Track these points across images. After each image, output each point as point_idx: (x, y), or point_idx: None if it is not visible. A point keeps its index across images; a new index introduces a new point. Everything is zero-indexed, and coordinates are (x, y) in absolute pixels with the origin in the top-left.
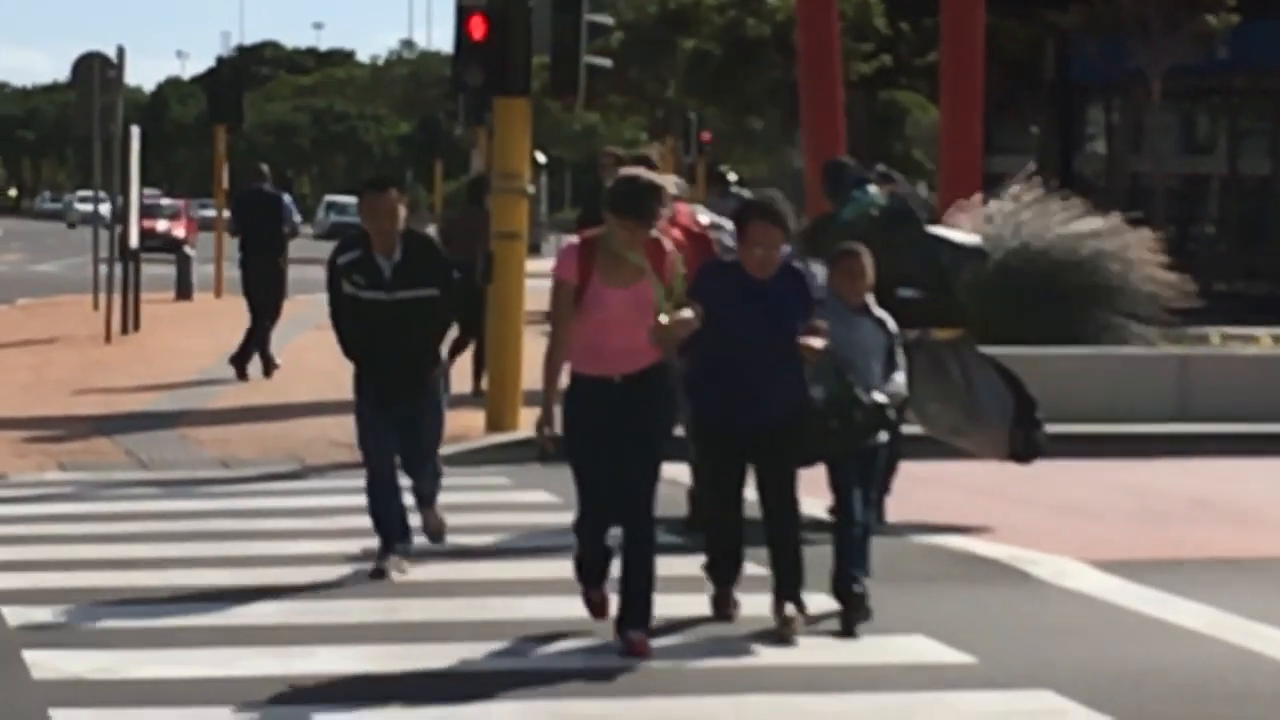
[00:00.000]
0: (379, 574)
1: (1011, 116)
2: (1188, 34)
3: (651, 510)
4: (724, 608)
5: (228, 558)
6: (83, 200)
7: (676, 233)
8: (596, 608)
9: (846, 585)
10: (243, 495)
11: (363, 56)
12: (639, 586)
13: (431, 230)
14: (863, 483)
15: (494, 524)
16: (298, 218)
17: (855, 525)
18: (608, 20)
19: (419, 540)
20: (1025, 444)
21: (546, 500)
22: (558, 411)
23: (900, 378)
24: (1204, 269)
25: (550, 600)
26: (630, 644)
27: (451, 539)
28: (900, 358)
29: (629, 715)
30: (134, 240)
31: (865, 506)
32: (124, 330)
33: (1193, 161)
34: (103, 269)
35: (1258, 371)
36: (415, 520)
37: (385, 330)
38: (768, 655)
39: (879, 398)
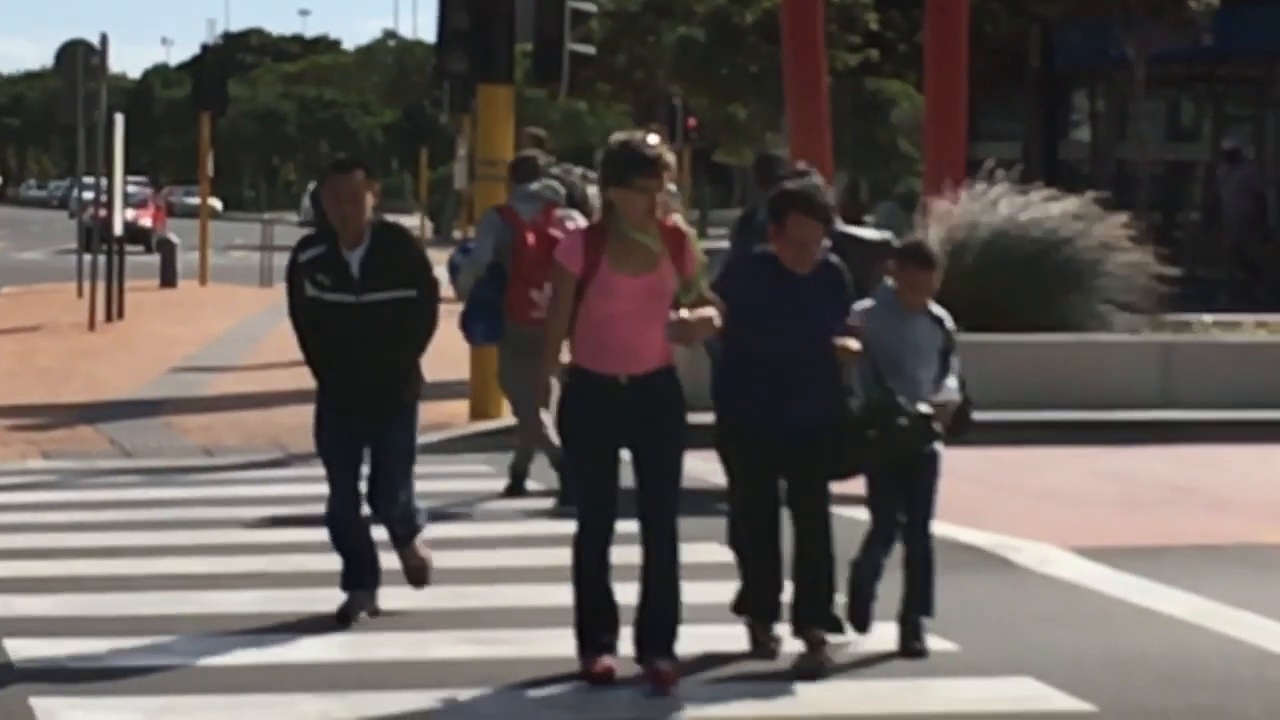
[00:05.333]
0: (344, 618)
1: (996, 103)
2: (1171, 20)
3: (675, 526)
4: (765, 644)
5: (210, 545)
6: (87, 188)
7: (531, 236)
8: (598, 677)
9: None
10: (226, 483)
11: (349, 44)
12: (664, 610)
13: (416, 220)
14: (913, 501)
15: (475, 512)
16: None
17: (887, 544)
18: (591, 7)
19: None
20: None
21: (529, 488)
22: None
23: (953, 382)
24: (1188, 256)
25: (532, 589)
26: (658, 676)
27: (433, 527)
28: (955, 361)
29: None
30: (118, 228)
31: (922, 530)
32: (108, 318)
33: (1177, 148)
34: (87, 257)
35: (1241, 358)
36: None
37: (354, 339)
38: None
39: (924, 408)
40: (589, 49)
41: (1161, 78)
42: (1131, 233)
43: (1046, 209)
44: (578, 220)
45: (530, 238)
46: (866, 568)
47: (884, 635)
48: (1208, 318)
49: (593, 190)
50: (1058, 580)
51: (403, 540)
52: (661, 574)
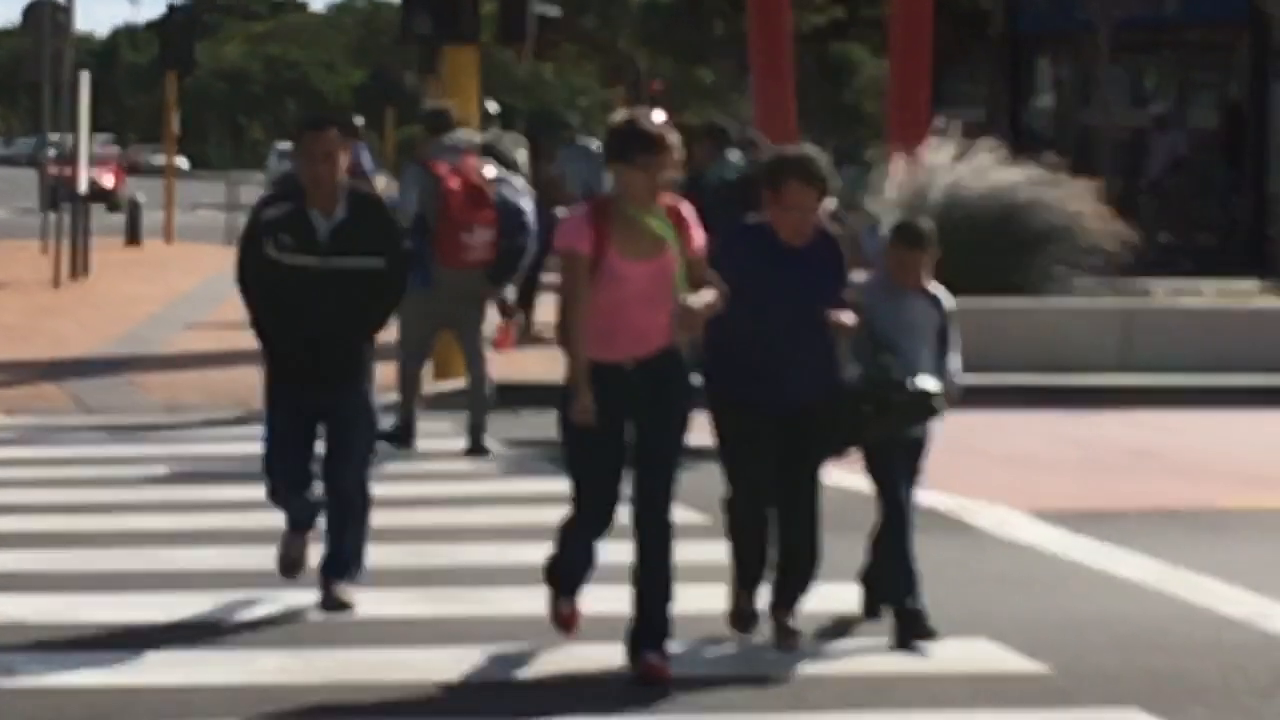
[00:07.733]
0: (286, 559)
1: (960, 68)
2: None
3: (670, 513)
4: (744, 616)
5: (172, 502)
6: (52, 146)
7: (454, 182)
8: (566, 622)
9: (899, 598)
10: (188, 441)
11: (317, 4)
12: (656, 601)
13: (382, 181)
14: (905, 478)
15: (436, 471)
16: (369, 166)
17: (903, 522)
18: None
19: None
20: None
21: (490, 447)
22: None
23: (955, 363)
24: (1150, 221)
25: (490, 547)
26: (648, 669)
27: (394, 487)
28: (955, 337)
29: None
30: (83, 186)
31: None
32: (73, 275)
33: (1141, 115)
34: (51, 214)
35: (1201, 324)
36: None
37: (312, 305)
38: (716, 608)
39: (926, 384)
40: (554, 10)
41: (1126, 44)
42: (1093, 198)
43: (1007, 173)
44: (494, 168)
45: (455, 183)
46: (893, 561)
47: (843, 596)
48: (1168, 283)
49: (521, 155)
50: (1015, 543)
51: (346, 564)
52: (651, 563)
